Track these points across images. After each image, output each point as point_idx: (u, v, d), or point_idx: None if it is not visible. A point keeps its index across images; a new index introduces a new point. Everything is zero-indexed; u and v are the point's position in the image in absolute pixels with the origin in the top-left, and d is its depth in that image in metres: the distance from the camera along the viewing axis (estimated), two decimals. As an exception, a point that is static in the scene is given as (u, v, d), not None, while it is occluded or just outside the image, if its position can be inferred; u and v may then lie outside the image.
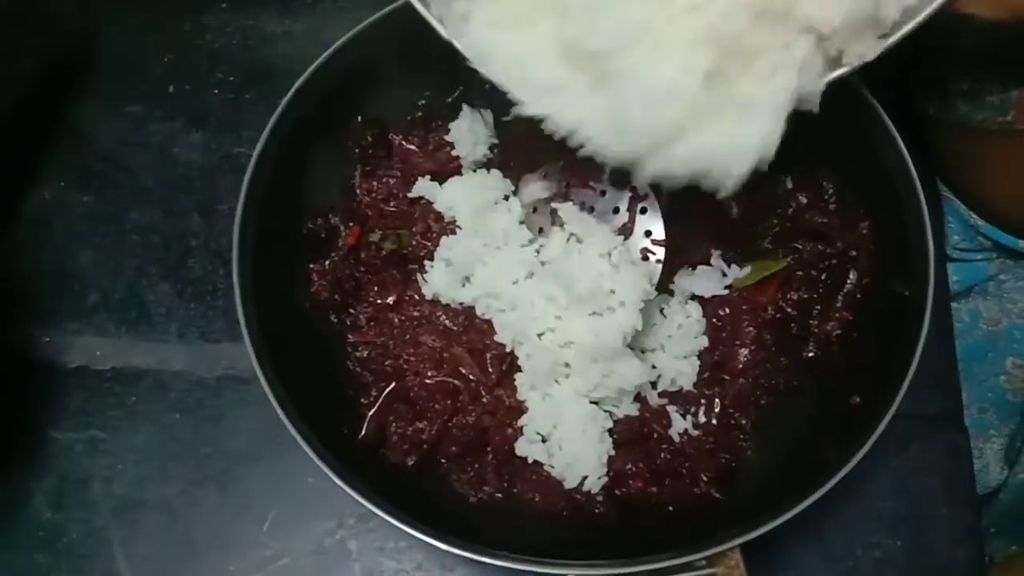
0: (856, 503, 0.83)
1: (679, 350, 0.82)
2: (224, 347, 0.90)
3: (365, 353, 0.82)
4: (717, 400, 0.82)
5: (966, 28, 0.67)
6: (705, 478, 0.77)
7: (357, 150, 0.88)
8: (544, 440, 0.77)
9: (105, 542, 0.83)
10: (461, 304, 0.83)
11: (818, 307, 0.81)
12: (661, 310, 0.83)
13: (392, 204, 0.89)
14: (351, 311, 0.84)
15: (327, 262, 0.85)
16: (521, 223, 0.85)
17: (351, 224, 0.87)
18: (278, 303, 0.79)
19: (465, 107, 0.90)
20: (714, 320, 0.84)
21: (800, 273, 0.83)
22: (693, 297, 0.85)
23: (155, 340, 0.91)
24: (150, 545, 0.83)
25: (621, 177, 0.67)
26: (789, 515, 0.64)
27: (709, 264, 0.86)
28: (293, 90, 0.80)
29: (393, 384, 0.80)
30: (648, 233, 0.85)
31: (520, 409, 0.80)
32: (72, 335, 0.92)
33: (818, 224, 0.83)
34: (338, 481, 0.66)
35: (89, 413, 0.88)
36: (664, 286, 0.85)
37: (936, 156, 0.96)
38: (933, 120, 0.90)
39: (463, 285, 0.83)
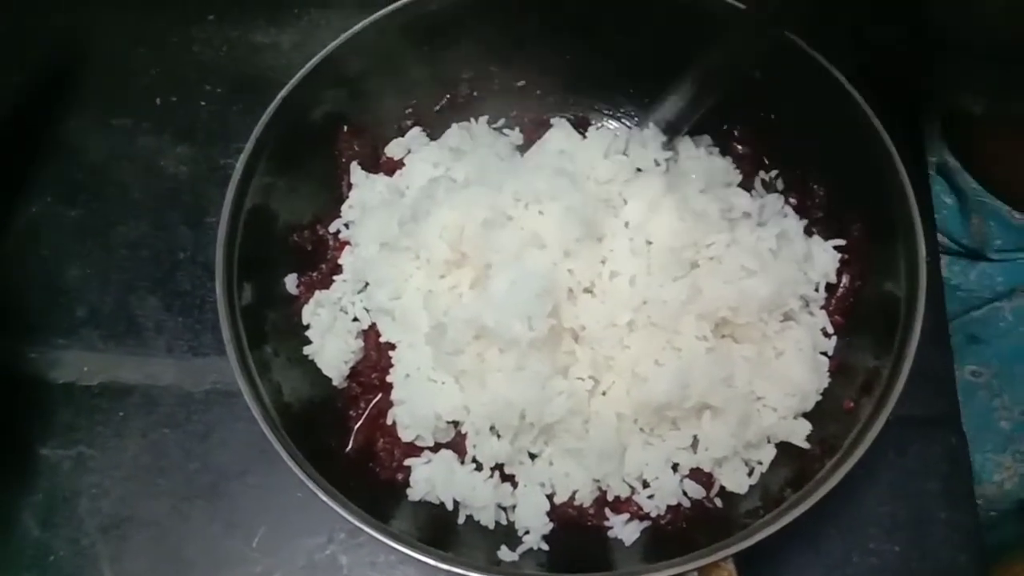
0: (853, 509, 0.81)
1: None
2: (212, 361, 0.89)
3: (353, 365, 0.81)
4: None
5: None
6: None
7: (344, 160, 0.87)
8: (533, 458, 0.76)
9: (93, 560, 0.82)
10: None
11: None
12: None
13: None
14: (339, 323, 0.83)
15: (315, 274, 0.84)
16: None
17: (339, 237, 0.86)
18: (264, 317, 0.78)
19: (454, 125, 0.90)
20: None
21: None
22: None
23: (143, 355, 0.90)
24: (139, 562, 0.82)
25: None
26: (781, 524, 0.64)
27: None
28: (277, 100, 0.80)
29: (380, 396, 0.79)
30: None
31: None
32: (60, 350, 0.91)
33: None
34: (323, 497, 0.65)
35: (77, 429, 0.87)
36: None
37: (977, 156, 0.94)
38: (978, 120, 0.88)
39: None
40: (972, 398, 0.93)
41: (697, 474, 0.75)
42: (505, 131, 0.91)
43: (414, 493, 0.75)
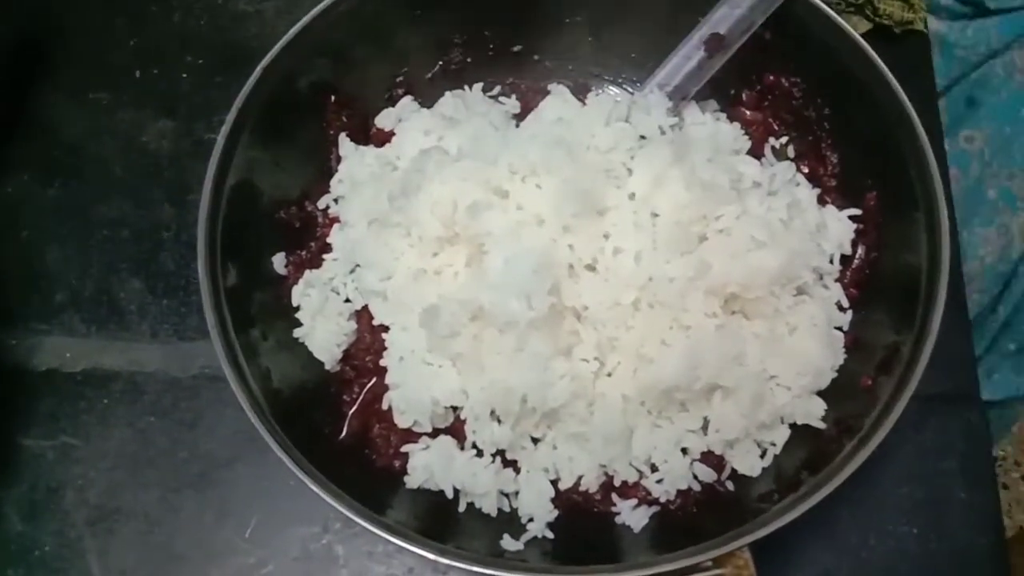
0: (869, 490, 0.78)
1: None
2: (199, 345, 0.86)
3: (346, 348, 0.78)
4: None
5: None
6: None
7: (332, 132, 0.83)
8: (536, 442, 0.73)
9: (80, 553, 0.79)
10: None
11: (824, 285, 0.77)
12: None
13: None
14: (330, 303, 0.80)
15: (304, 252, 0.81)
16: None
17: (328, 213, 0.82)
18: (251, 298, 0.75)
19: (447, 93, 0.85)
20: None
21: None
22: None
23: (127, 340, 0.87)
24: (127, 555, 0.79)
25: None
26: (799, 512, 0.61)
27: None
28: (258, 70, 0.76)
29: (375, 380, 0.76)
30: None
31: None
32: (40, 336, 0.87)
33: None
34: (315, 488, 0.62)
35: (60, 418, 0.84)
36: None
37: None
38: None
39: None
40: (965, 171, 0.93)
41: (708, 457, 0.72)
42: (501, 99, 0.87)
43: (412, 480, 0.72)
